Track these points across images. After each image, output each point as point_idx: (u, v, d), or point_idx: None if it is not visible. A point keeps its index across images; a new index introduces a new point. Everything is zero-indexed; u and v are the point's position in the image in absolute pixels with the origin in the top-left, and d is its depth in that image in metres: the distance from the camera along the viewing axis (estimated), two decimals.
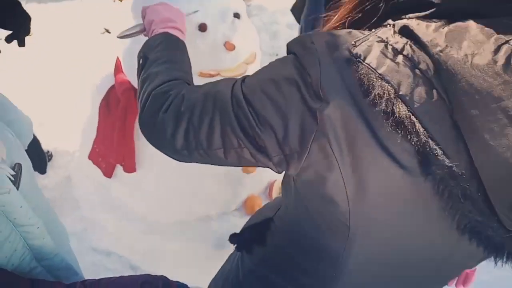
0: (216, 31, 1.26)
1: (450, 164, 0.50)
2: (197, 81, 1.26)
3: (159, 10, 0.94)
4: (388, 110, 0.51)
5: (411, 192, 0.56)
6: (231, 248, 1.02)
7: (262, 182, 1.67)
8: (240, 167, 1.51)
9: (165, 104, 0.69)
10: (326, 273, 0.73)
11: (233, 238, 0.95)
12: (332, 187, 0.59)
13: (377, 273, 0.71)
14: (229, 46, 1.29)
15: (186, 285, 0.88)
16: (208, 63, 1.28)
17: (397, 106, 0.50)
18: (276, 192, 1.70)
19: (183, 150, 0.67)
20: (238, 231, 1.19)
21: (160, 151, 0.72)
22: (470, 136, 0.50)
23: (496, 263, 0.60)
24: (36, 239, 0.76)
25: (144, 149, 1.43)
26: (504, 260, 0.59)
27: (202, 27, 1.25)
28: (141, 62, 0.83)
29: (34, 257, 0.79)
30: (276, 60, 0.65)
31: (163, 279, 0.83)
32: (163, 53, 0.83)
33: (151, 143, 0.73)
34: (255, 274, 0.87)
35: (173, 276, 0.94)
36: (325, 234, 0.68)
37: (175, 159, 0.72)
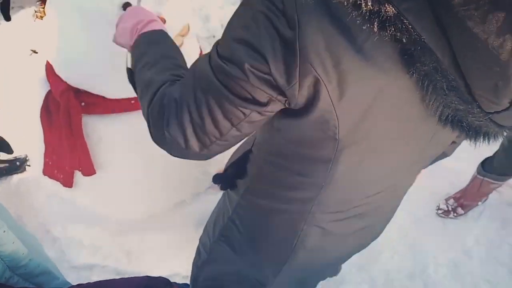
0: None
1: (437, 58, 0.52)
2: None
3: (120, 29, 0.93)
4: (375, 10, 0.50)
5: (394, 96, 0.59)
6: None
7: (228, 152, 1.65)
8: None
9: (164, 119, 0.68)
10: (314, 185, 0.74)
11: (216, 178, 0.96)
12: (322, 108, 0.60)
13: (362, 178, 0.74)
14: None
15: (187, 284, 0.87)
16: None
17: (384, 6, 0.50)
18: None
19: (203, 150, 0.69)
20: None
21: (187, 159, 0.74)
22: (453, 27, 0.50)
23: (474, 145, 0.65)
24: (5, 244, 0.71)
25: (99, 148, 1.37)
26: (481, 140, 0.63)
27: (126, 6, 1.20)
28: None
29: (8, 267, 0.74)
30: (238, 7, 0.62)
31: (163, 281, 0.82)
32: (143, 58, 0.82)
33: (174, 156, 0.74)
34: (242, 206, 0.89)
35: (162, 270, 0.93)
36: (313, 152, 0.69)
37: (204, 160, 0.74)
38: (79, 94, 1.30)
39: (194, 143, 0.67)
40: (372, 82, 0.57)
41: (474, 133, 0.62)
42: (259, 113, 0.63)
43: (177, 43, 1.30)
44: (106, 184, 1.44)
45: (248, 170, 0.87)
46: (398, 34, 0.51)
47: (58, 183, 1.48)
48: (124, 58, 0.93)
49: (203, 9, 3.23)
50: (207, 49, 3.01)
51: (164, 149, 0.74)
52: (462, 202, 2.20)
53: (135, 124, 1.35)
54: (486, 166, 2.07)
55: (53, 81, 1.33)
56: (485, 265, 2.06)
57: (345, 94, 0.58)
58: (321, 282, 1.89)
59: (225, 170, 0.96)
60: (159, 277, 0.89)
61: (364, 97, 0.59)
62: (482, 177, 2.09)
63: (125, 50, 0.96)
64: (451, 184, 2.33)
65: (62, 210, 1.57)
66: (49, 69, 1.36)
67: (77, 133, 1.31)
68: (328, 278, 1.91)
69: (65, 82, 1.30)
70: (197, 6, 3.25)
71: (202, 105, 0.64)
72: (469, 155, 2.12)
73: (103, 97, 1.30)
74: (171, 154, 0.73)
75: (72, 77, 1.29)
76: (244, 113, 0.63)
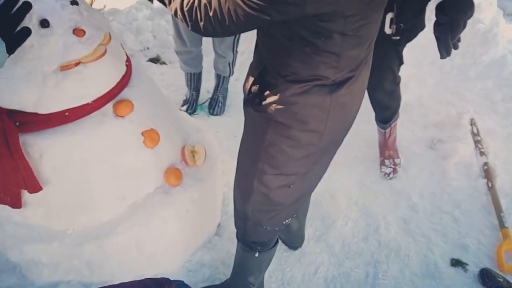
0: (59, 22, 1.28)
1: None
2: (61, 76, 1.28)
3: None
4: None
5: None
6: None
7: (174, 152, 1.72)
8: (143, 143, 1.55)
9: (198, 16, 1.03)
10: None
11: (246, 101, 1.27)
12: None
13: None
14: (79, 33, 1.31)
15: (183, 282, 0.91)
16: (65, 55, 1.29)
17: None
18: (188, 156, 1.76)
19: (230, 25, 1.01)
20: (168, 204, 1.31)
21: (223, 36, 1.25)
22: None
23: None
24: None
25: (42, 163, 1.40)
26: None
27: (44, 23, 1.25)
28: None
29: None
30: None
31: (162, 281, 0.85)
32: None
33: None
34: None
35: (126, 276, 0.96)
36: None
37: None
38: (12, 114, 1.33)
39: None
40: None
41: None
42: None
43: (99, 53, 1.38)
44: (55, 198, 1.48)
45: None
46: None
47: (8, 207, 1.49)
48: None
49: (133, 22, 3.28)
50: (142, 61, 3.03)
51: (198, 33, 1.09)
52: (391, 154, 2.40)
53: (73, 135, 1.39)
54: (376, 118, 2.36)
55: None
56: (430, 216, 2.23)
57: None
58: (283, 257, 2.00)
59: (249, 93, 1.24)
60: (160, 278, 0.91)
61: None
62: (382, 130, 2.36)
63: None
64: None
65: (16, 233, 1.57)
66: None
67: (17, 153, 1.34)
68: (289, 251, 2.01)
69: None
70: (127, 21, 3.29)
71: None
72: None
73: (37, 114, 1.34)
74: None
75: (2, 99, 1.31)
76: None
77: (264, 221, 1.42)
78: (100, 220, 1.57)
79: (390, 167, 2.38)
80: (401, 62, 2.09)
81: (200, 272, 1.91)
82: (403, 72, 2.21)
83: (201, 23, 1.05)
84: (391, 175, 2.37)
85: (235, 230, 1.93)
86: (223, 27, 1.03)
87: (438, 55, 1.64)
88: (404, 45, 1.99)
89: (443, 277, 1.99)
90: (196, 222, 1.82)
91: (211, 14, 1.01)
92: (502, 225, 2.16)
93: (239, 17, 0.98)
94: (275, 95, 1.15)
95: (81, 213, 1.53)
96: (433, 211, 2.25)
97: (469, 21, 3.10)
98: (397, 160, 2.40)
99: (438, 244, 2.11)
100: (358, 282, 1.97)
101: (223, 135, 2.50)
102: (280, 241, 2.05)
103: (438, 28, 1.56)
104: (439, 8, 1.59)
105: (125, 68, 1.52)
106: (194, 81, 2.68)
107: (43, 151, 1.39)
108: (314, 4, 0.93)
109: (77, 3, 1.34)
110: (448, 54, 1.60)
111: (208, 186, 1.82)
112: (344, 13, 0.97)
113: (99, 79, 1.39)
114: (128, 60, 1.57)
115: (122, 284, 0.83)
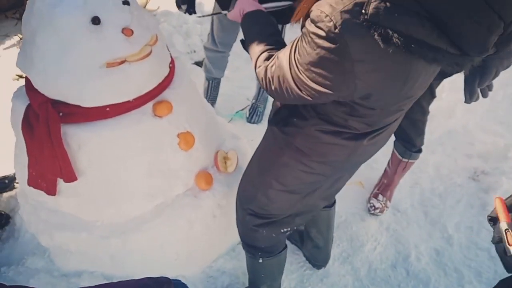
0: (110, 20, 1.31)
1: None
2: (105, 72, 1.32)
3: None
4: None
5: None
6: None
7: (207, 157, 1.73)
8: (177, 145, 1.57)
9: (269, 85, 1.10)
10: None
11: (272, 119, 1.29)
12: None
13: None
14: (127, 32, 1.34)
15: (180, 281, 0.93)
16: (112, 52, 1.32)
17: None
18: (221, 162, 1.76)
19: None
20: (195, 208, 1.34)
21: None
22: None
23: None
24: None
25: (79, 155, 1.44)
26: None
27: (96, 20, 1.29)
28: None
29: None
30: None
31: (162, 280, 0.85)
32: (248, 33, 1.26)
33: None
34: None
35: (146, 273, 0.97)
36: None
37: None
38: (57, 105, 1.38)
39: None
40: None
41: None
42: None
43: (145, 53, 1.40)
44: (87, 189, 1.51)
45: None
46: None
47: (43, 193, 1.54)
48: None
49: (183, 25, 3.35)
50: (187, 63, 3.08)
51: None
52: (389, 192, 2.24)
53: (111, 130, 1.43)
54: (406, 146, 2.08)
55: (32, 95, 1.41)
56: (465, 251, 2.12)
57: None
58: (305, 275, 1.95)
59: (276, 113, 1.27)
60: (160, 276, 0.92)
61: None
62: (407, 160, 2.12)
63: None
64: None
65: (49, 219, 1.63)
66: (28, 84, 1.44)
67: (57, 141, 1.39)
68: (312, 270, 1.96)
69: (43, 95, 1.39)
70: (177, 23, 3.36)
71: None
72: None
73: (79, 106, 1.38)
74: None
75: (49, 89, 1.37)
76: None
77: (259, 225, 1.48)
78: (128, 215, 1.60)
79: (381, 204, 2.22)
80: (433, 96, 1.93)
81: (219, 280, 1.91)
82: (450, 97, 2.13)
83: (266, 89, 1.14)
84: (377, 211, 2.21)
85: None
86: (282, 99, 1.14)
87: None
88: (440, 81, 1.85)
89: None
90: (221, 228, 1.82)
91: (273, 88, 1.10)
92: None
93: (296, 97, 1.06)
94: (302, 125, 1.18)
95: (111, 207, 1.56)
96: (469, 246, 2.14)
97: None
98: (388, 203, 2.24)
99: (471, 282, 2.00)
100: None
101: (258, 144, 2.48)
102: (304, 258, 2.01)
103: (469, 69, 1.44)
104: None
105: (168, 70, 1.55)
106: (211, 89, 2.63)
107: (82, 143, 1.43)
108: (359, 106, 1.04)
109: (128, 3, 1.37)
110: (472, 99, 1.50)
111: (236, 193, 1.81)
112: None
113: (141, 78, 1.42)
114: (172, 62, 1.59)
115: (122, 282, 0.83)
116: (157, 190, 1.59)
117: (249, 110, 2.75)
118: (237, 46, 2.61)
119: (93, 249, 1.63)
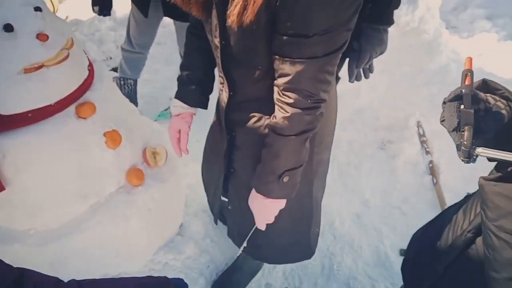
0: (23, 27, 1.34)
1: None
2: (23, 78, 1.34)
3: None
4: None
5: None
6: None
7: (136, 153, 1.79)
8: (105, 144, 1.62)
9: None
10: None
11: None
12: None
13: None
14: (42, 37, 1.37)
15: (182, 280, 0.94)
16: (28, 58, 1.35)
17: None
18: (150, 157, 1.83)
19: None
20: (130, 203, 1.39)
21: None
22: None
23: None
24: None
25: (5, 164, 1.44)
26: None
27: (8, 28, 1.31)
28: None
29: None
30: None
31: (161, 280, 0.89)
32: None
33: None
34: None
35: (92, 271, 1.00)
36: None
37: None
38: None
39: None
40: None
41: None
42: None
43: (62, 57, 1.45)
44: (18, 198, 1.51)
45: None
46: None
47: None
48: None
49: (96, 33, 3.33)
50: (104, 70, 3.09)
51: None
52: None
53: (35, 135, 1.45)
54: None
55: None
56: (381, 211, 2.39)
57: None
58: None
59: None
60: (159, 276, 0.93)
61: None
62: None
63: None
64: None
65: None
66: None
67: None
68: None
69: None
70: (89, 32, 3.34)
71: None
72: None
73: (0, 115, 1.39)
74: None
75: None
76: None
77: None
78: (62, 220, 1.61)
79: None
80: (338, 78, 2.01)
81: (162, 272, 1.97)
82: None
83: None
84: None
85: (197, 230, 2.02)
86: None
87: (388, 64, 1.78)
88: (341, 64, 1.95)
89: (392, 266, 2.14)
90: (158, 221, 1.89)
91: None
92: None
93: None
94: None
95: (44, 213, 1.57)
96: (384, 206, 2.42)
97: (415, 32, 3.34)
98: None
99: (388, 236, 2.27)
100: (315, 274, 2.09)
101: None
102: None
103: (348, 52, 1.56)
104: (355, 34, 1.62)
105: (87, 72, 1.59)
106: (128, 90, 2.62)
107: (6, 151, 1.43)
108: None
109: (40, 9, 1.40)
110: (352, 79, 1.71)
111: (169, 187, 1.89)
112: None
113: (61, 82, 1.45)
114: (90, 65, 1.64)
115: (123, 278, 0.86)
116: (90, 190, 1.63)
117: None
118: (154, 48, 2.69)
119: (30, 259, 1.62)
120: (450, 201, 2.43)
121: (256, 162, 1.25)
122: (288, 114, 1.09)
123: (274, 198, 1.23)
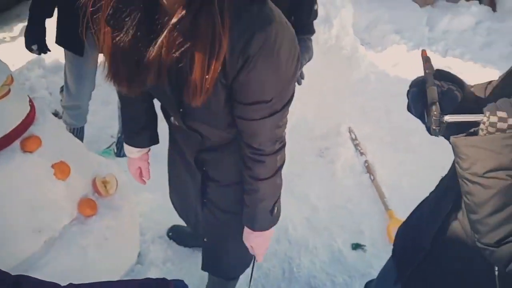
0: None
1: None
2: None
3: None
4: None
5: None
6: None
7: (86, 184, 1.80)
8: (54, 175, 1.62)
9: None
10: None
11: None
12: None
13: None
14: None
15: (183, 281, 0.95)
16: None
17: None
18: (100, 186, 1.85)
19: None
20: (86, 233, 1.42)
21: None
22: None
23: None
24: None
25: None
26: None
27: None
28: None
29: None
30: None
31: (160, 281, 0.91)
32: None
33: None
34: None
35: None
36: None
37: None
38: None
39: None
40: None
41: None
42: None
43: (4, 91, 1.48)
44: None
45: None
46: None
47: None
48: None
49: (26, 82, 3.30)
50: (45, 105, 3.00)
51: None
52: None
53: None
54: None
55: None
56: (328, 213, 2.54)
57: None
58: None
59: None
60: (158, 278, 0.95)
61: None
62: None
63: None
64: None
65: None
66: None
67: None
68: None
69: None
70: (19, 82, 3.29)
71: None
72: None
73: None
74: None
75: None
76: None
77: None
78: (18, 258, 1.58)
79: None
80: None
81: None
82: None
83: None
84: None
85: (156, 256, 2.04)
86: None
87: (316, 81, 1.95)
88: None
89: (347, 260, 2.27)
90: (116, 250, 1.89)
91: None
92: (387, 208, 2.55)
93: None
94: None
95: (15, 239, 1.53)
96: (330, 207, 2.57)
97: (334, 49, 3.62)
98: None
99: (339, 234, 2.41)
100: (277, 279, 2.17)
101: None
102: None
103: None
104: None
105: (29, 107, 1.62)
106: (77, 134, 2.62)
107: None
108: None
109: None
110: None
111: (123, 214, 1.90)
112: None
113: (4, 117, 1.47)
114: (30, 101, 1.67)
115: (122, 280, 0.87)
116: (43, 224, 1.62)
117: (116, 145, 2.84)
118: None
119: None
120: (388, 194, 2.65)
121: (233, 190, 1.37)
122: (264, 162, 1.19)
123: (271, 228, 1.36)
